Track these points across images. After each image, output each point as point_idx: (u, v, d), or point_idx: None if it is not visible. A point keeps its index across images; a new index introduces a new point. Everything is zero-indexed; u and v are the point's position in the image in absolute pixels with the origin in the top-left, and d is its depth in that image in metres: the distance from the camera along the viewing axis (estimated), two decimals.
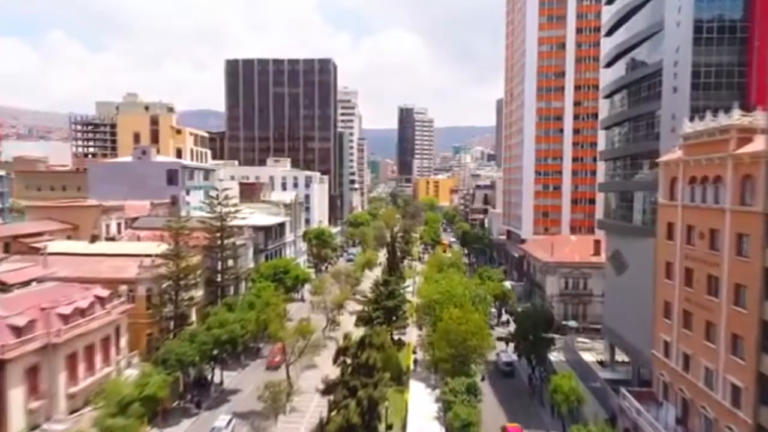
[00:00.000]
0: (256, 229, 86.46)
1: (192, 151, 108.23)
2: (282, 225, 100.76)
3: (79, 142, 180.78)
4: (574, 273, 77.82)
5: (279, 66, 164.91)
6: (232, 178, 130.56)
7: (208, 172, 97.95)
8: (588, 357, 63.28)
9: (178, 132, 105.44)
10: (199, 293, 64.15)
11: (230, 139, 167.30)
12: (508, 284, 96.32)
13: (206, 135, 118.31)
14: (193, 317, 60.34)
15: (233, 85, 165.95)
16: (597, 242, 78.21)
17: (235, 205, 68.91)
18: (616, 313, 58.72)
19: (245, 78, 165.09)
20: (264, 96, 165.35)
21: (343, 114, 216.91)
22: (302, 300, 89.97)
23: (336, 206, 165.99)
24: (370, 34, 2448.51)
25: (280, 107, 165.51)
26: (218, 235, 66.11)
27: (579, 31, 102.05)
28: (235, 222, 70.81)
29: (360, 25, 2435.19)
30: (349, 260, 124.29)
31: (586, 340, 69.00)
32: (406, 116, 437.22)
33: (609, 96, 60.90)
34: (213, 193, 69.04)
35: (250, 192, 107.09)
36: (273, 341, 53.57)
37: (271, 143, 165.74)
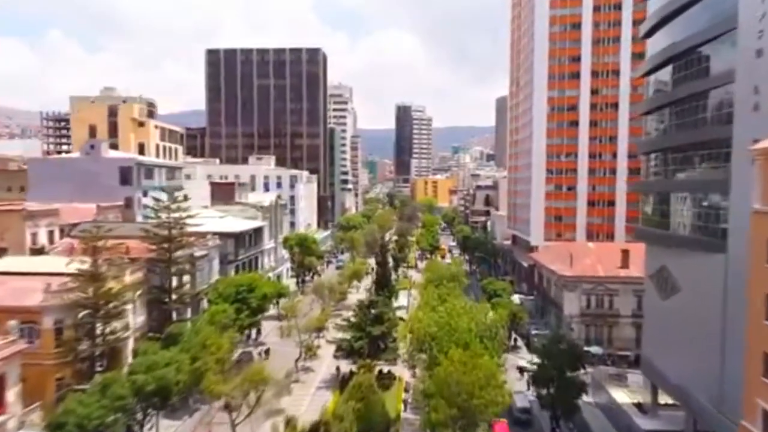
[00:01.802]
0: (224, 236, 74.16)
1: (158, 146, 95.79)
2: (258, 230, 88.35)
3: (51, 139, 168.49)
4: (597, 289, 65.44)
5: (264, 56, 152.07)
6: (209, 177, 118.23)
7: (172, 171, 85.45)
8: (621, 396, 50.93)
9: (141, 125, 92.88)
10: (138, 319, 51.88)
11: (211, 136, 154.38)
12: (516, 298, 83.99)
13: (178, 130, 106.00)
14: (129, 351, 48.12)
15: (214, 77, 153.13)
16: (625, 252, 65.89)
17: (187, 209, 56.46)
18: (661, 346, 46.40)
19: (227, 69, 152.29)
20: (248, 89, 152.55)
21: (335, 110, 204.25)
22: (279, 319, 77.64)
23: (326, 208, 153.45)
24: (369, 34, 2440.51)
25: (265, 101, 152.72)
26: (165, 246, 53.67)
27: (597, 9, 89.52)
28: (193, 228, 58.66)
29: (359, 25, 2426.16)
30: (339, 268, 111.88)
31: (618, 373, 56.80)
32: (403, 114, 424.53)
33: (651, 72, 48.45)
34: (160, 195, 56.82)
35: (223, 193, 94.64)
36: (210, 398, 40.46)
37: (255, 140, 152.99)
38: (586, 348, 63.94)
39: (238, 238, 77.76)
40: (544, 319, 76.63)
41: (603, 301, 65.55)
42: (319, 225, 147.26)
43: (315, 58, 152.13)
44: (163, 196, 55.83)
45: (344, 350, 53.77)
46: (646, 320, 50.51)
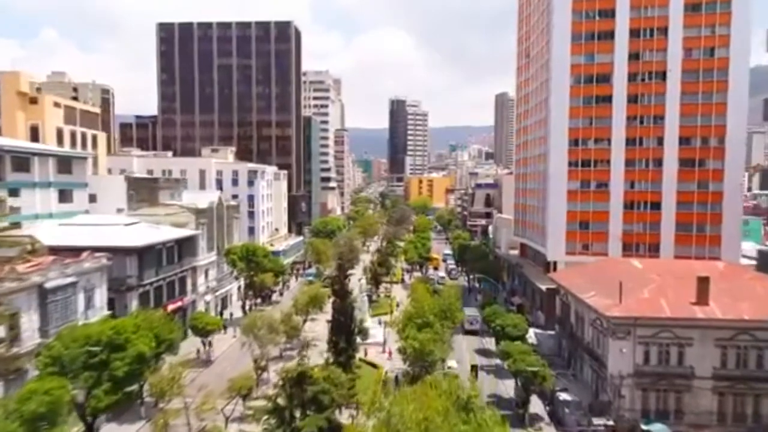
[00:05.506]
0: (120, 252, 52.26)
1: (62, 131, 73.40)
2: (187, 241, 66.39)
3: None
4: (661, 336, 43.39)
5: (225, 31, 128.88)
6: (150, 173, 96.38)
7: (68, 162, 62.93)
8: None
9: (33, 101, 70.50)
10: None
11: (164, 125, 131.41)
12: (532, 335, 61.95)
13: (94, 110, 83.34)
14: None
15: (168, 55, 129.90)
16: (703, 282, 43.83)
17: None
18: None
19: (182, 46, 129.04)
20: (207, 70, 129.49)
21: (316, 98, 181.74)
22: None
23: (299, 210, 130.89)
24: (365, 33, 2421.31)
25: (227, 84, 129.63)
26: None
27: None
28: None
29: (355, 25, 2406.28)
30: (311, 282, 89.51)
31: None
32: (397, 109, 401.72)
33: None
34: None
35: (145, 192, 72.51)
36: None
37: (215, 129, 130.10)
38: (644, 427, 42.42)
39: (144, 254, 55.62)
40: (572, 369, 54.57)
41: (669, 355, 43.55)
42: (291, 230, 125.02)
43: (286, 33, 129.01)
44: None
45: None
46: None
